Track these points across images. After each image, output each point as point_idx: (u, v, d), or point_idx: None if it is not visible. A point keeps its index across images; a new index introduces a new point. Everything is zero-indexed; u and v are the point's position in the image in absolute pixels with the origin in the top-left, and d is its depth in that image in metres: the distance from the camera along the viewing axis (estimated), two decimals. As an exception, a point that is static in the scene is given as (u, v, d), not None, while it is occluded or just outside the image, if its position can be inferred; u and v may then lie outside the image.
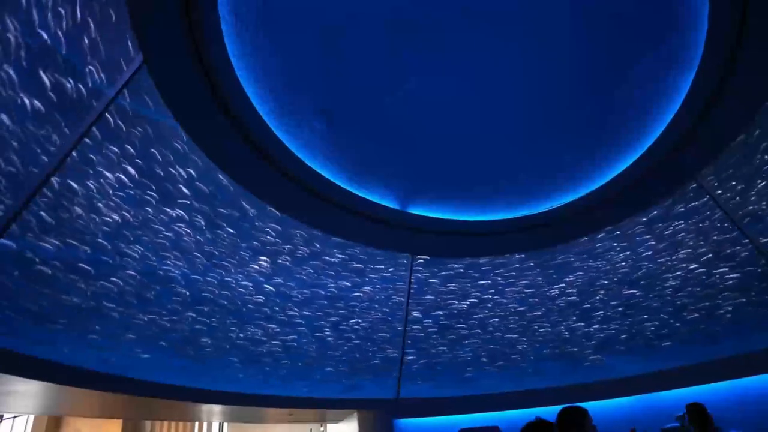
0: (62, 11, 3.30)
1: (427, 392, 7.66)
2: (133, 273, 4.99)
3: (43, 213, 4.09)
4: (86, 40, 3.47)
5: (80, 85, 3.66)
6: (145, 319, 5.40)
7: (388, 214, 5.34)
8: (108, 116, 3.96)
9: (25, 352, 4.48)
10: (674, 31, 3.76)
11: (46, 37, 3.35)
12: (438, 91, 4.28)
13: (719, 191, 5.30)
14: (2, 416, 11.49)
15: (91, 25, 3.40)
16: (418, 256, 6.25)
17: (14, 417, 11.95)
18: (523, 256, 6.34)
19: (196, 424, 14.76)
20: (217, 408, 7.39)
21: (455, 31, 3.79)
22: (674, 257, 6.10)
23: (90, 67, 3.61)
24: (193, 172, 4.62)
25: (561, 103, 4.43)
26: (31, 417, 12.30)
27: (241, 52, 3.72)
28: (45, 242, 4.27)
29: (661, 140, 4.54)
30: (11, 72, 3.39)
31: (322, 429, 12.37)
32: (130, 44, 3.46)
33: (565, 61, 4.05)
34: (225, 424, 14.56)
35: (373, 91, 4.24)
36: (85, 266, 4.59)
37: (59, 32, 3.37)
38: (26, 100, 3.55)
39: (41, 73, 3.50)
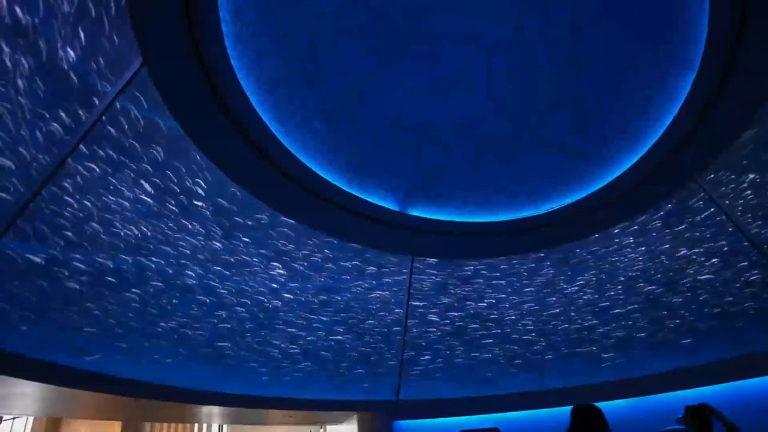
0: (60, 12, 3.30)
1: (427, 394, 7.64)
2: (157, 283, 5.16)
3: (68, 233, 4.30)
4: (85, 42, 3.47)
5: (79, 87, 3.66)
6: (168, 326, 5.54)
7: (385, 214, 5.34)
8: (123, 137, 4.06)
9: (57, 362, 4.66)
10: (674, 32, 3.76)
11: (44, 39, 3.35)
12: (438, 91, 4.28)
13: (723, 189, 5.26)
14: (1, 417, 11.45)
15: (90, 25, 3.40)
16: (428, 258, 6.24)
17: (13, 418, 11.92)
18: (542, 254, 6.27)
19: (196, 426, 14.72)
20: (216, 410, 7.37)
21: (454, 30, 3.80)
22: (692, 251, 6.00)
23: (89, 68, 3.61)
24: (207, 185, 4.73)
25: (561, 103, 4.42)
26: (30, 418, 12.27)
27: (241, 53, 3.72)
28: (72, 257, 4.45)
29: (661, 141, 4.54)
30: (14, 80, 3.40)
31: (321, 430, 12.34)
32: (129, 45, 3.46)
33: (565, 60, 4.05)
34: (224, 426, 14.53)
35: (373, 91, 4.24)
36: (111, 278, 4.79)
37: (57, 34, 3.37)
38: (26, 105, 3.56)
39: (40, 76, 3.50)
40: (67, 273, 4.48)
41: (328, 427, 11.56)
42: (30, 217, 4.01)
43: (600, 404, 2.67)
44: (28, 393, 5.21)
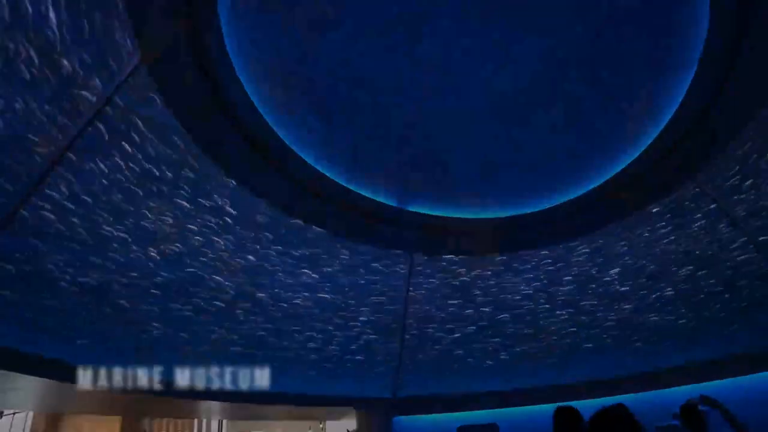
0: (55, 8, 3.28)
1: (426, 390, 7.66)
2: (205, 296, 5.43)
3: (113, 254, 4.50)
4: (81, 39, 3.45)
5: (74, 85, 3.64)
6: (214, 335, 5.83)
7: (386, 212, 5.35)
8: (153, 168, 4.15)
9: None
10: (673, 30, 3.75)
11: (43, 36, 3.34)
12: (437, 89, 4.27)
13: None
14: (2, 412, 11.50)
15: (86, 22, 3.38)
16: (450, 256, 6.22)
17: (13, 413, 11.97)
18: (577, 242, 6.01)
19: (195, 421, 14.79)
20: (215, 405, 7.40)
21: (453, 28, 3.79)
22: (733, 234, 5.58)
23: (86, 67, 3.59)
24: (233, 200, 4.81)
25: (559, 99, 4.42)
26: (30, 413, 12.33)
27: (240, 50, 3.71)
28: (118, 277, 4.69)
29: (658, 140, 4.53)
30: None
31: (321, 426, 12.41)
32: (126, 43, 3.44)
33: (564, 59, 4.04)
34: (224, 422, 14.60)
35: (372, 90, 4.23)
36: (155, 291, 5.03)
37: (55, 28, 3.36)
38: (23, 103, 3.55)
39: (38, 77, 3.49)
40: (114, 289, 4.74)
41: (328, 423, 11.62)
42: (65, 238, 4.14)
43: (611, 399, 2.67)
44: (27, 388, 5.24)
